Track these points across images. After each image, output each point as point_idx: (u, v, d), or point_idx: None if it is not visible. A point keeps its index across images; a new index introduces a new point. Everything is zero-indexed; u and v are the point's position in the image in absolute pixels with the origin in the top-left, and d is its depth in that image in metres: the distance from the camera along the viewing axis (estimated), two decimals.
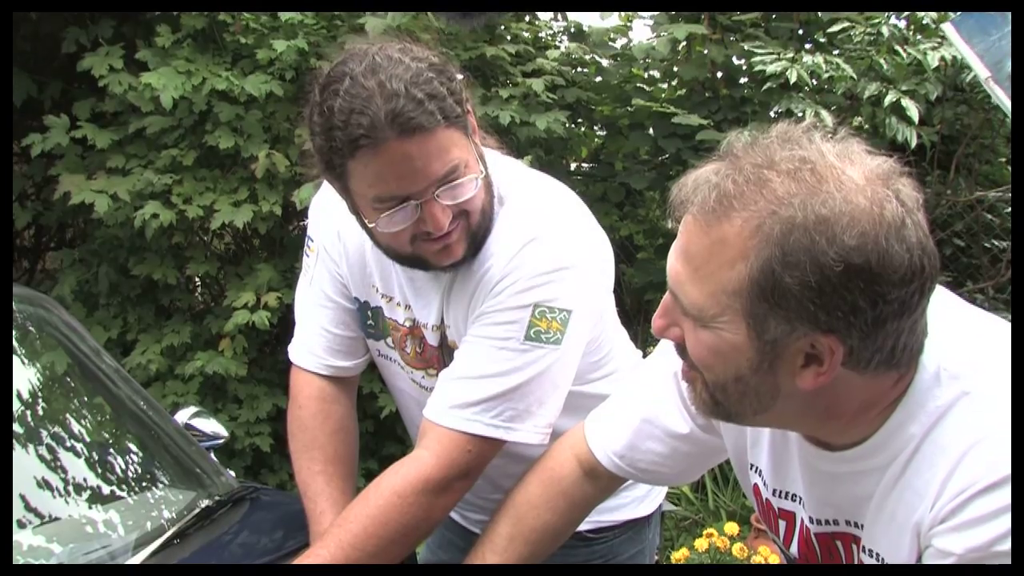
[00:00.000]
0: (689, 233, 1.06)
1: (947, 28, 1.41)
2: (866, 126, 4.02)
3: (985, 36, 1.36)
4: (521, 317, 1.50)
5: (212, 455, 2.20)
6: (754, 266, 1.00)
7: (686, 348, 1.10)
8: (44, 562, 1.61)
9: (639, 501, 1.86)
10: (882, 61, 4.00)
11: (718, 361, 1.06)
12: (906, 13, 4.12)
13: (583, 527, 1.80)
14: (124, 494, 1.93)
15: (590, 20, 4.91)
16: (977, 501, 1.02)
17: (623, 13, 4.94)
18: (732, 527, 3.56)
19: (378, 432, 4.07)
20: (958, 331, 1.10)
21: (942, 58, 3.88)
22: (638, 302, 4.56)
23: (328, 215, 1.72)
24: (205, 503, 1.88)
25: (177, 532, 1.75)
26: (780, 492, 1.29)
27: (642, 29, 4.91)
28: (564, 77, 4.47)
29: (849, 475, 1.16)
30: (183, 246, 4.08)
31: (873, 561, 1.18)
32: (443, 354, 1.67)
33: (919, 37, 4.13)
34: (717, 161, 1.07)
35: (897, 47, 4.03)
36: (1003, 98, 1.34)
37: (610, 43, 4.87)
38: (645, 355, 1.87)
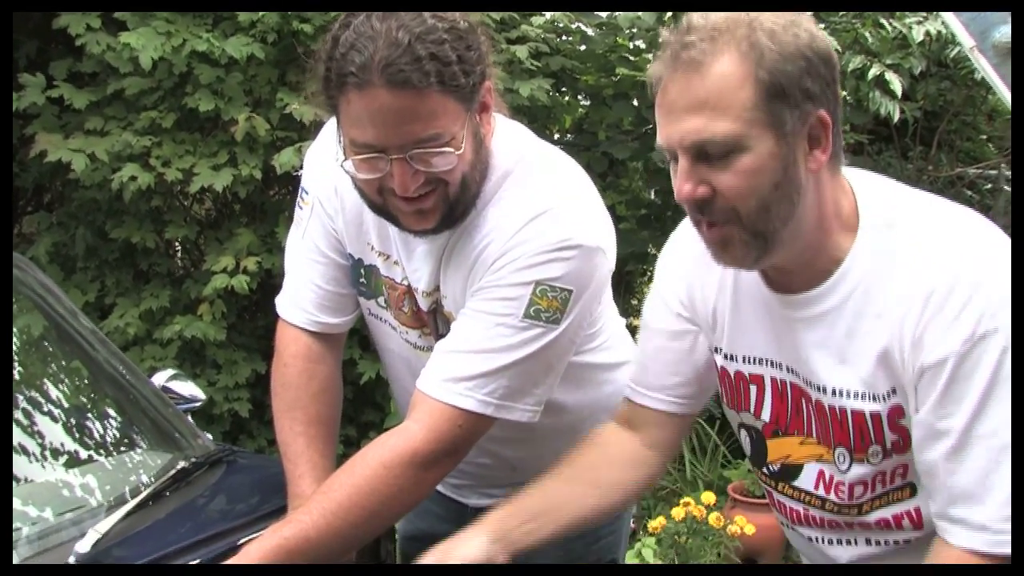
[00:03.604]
0: (682, 89, 1.20)
1: None
2: (850, 99, 4.02)
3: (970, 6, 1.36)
4: (522, 294, 1.49)
5: (189, 418, 2.19)
6: (761, 76, 1.18)
7: (715, 200, 1.22)
8: (19, 525, 1.60)
9: None
10: (867, 34, 3.99)
11: (759, 179, 1.20)
12: None
13: None
14: (100, 457, 1.92)
15: None
16: (948, 302, 1.19)
17: None
18: (709, 496, 3.59)
19: (356, 398, 4.07)
20: (887, 194, 1.31)
21: (927, 32, 3.88)
22: (619, 272, 4.56)
23: (325, 169, 1.67)
24: (182, 465, 1.87)
25: (153, 494, 1.74)
26: (749, 358, 1.42)
27: None
28: (548, 44, 4.44)
29: (806, 320, 1.31)
30: (162, 209, 4.04)
31: (838, 399, 1.31)
32: (436, 321, 1.66)
33: (904, 11, 4.13)
34: (665, 49, 1.23)
35: (882, 20, 4.02)
36: (987, 68, 1.34)
37: (595, 12, 4.84)
38: (629, 326, 1.90)
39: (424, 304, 1.65)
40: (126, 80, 3.78)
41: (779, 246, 1.26)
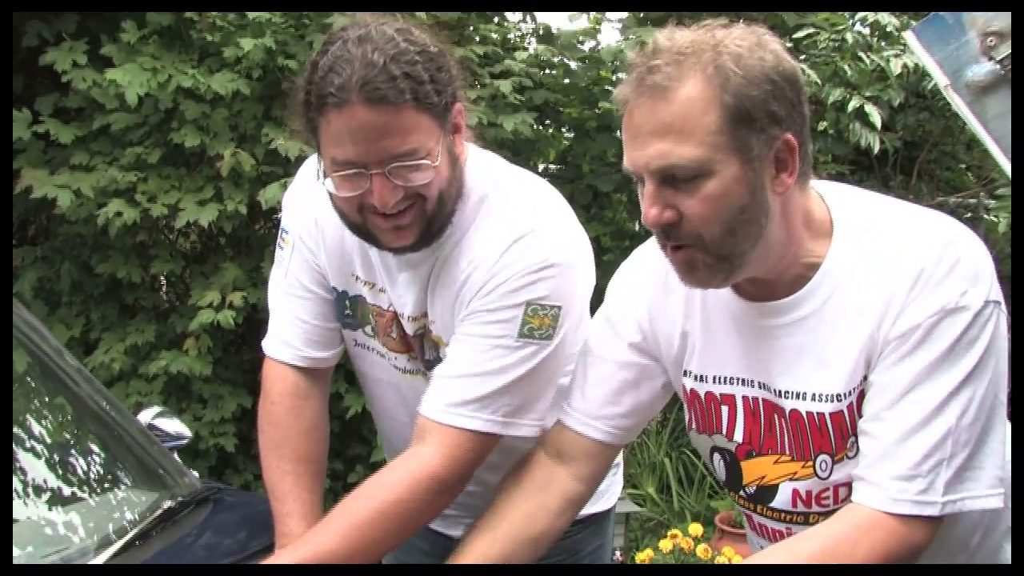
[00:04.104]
0: (648, 113, 1.21)
1: (908, 36, 1.44)
2: (831, 131, 4.07)
3: (944, 45, 1.39)
4: (514, 316, 1.54)
5: (176, 455, 2.18)
6: (726, 100, 1.19)
7: (681, 224, 1.23)
8: None
9: (600, 496, 1.88)
10: (846, 67, 4.05)
11: (724, 203, 1.21)
12: (870, 20, 4.18)
13: None
14: (85, 495, 1.91)
15: (559, 22, 4.92)
16: (933, 275, 1.22)
17: (592, 15, 4.96)
18: (696, 528, 3.59)
19: (343, 432, 4.06)
20: (858, 200, 1.34)
21: (904, 65, 3.94)
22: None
23: (305, 205, 1.71)
24: (168, 504, 1.86)
25: (139, 533, 1.73)
26: (719, 378, 1.42)
27: (611, 32, 4.93)
28: (532, 79, 4.47)
29: (786, 327, 1.32)
30: (148, 244, 4.05)
31: (817, 403, 1.31)
32: (423, 346, 1.68)
33: (883, 44, 4.19)
34: (632, 71, 1.24)
35: (861, 54, 4.08)
36: (961, 106, 1.37)
37: (578, 45, 4.89)
38: None
39: (410, 329, 1.67)
40: (112, 116, 3.79)
41: (746, 266, 1.27)
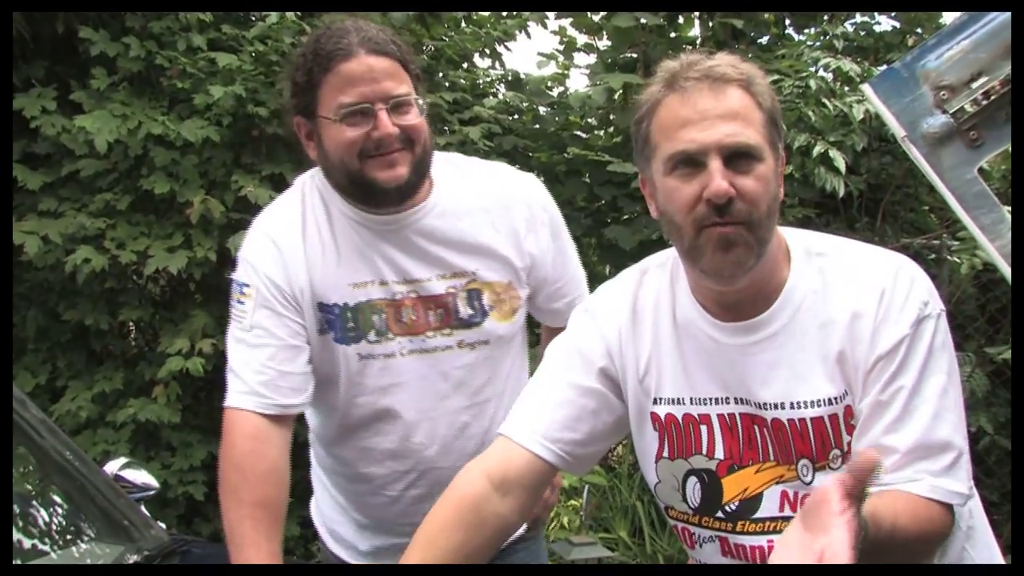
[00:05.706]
0: (713, 99, 1.36)
1: (865, 88, 1.48)
2: (796, 175, 4.13)
3: (900, 98, 1.43)
4: (559, 218, 1.97)
5: (143, 507, 2.15)
6: (766, 105, 1.39)
7: (733, 202, 1.35)
8: None
9: None
10: (810, 113, 4.13)
11: (768, 187, 1.37)
12: (833, 67, 4.27)
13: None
14: (47, 549, 1.88)
15: (527, 68, 5.00)
16: (895, 294, 1.38)
17: (561, 62, 5.03)
18: None
19: None
20: (807, 234, 1.51)
21: (867, 111, 4.02)
22: None
23: (275, 252, 1.81)
24: (133, 558, 1.83)
25: None
26: (695, 399, 1.50)
27: (579, 78, 5.01)
28: (501, 125, 4.52)
29: (758, 343, 1.43)
30: (116, 291, 4.01)
31: (797, 411, 1.41)
32: (458, 301, 1.83)
33: (846, 90, 4.28)
34: (687, 70, 1.39)
35: (824, 100, 4.16)
36: (918, 157, 1.41)
37: (547, 91, 4.95)
38: None
39: (441, 288, 1.82)
40: (81, 162, 3.79)
41: (765, 259, 1.40)
